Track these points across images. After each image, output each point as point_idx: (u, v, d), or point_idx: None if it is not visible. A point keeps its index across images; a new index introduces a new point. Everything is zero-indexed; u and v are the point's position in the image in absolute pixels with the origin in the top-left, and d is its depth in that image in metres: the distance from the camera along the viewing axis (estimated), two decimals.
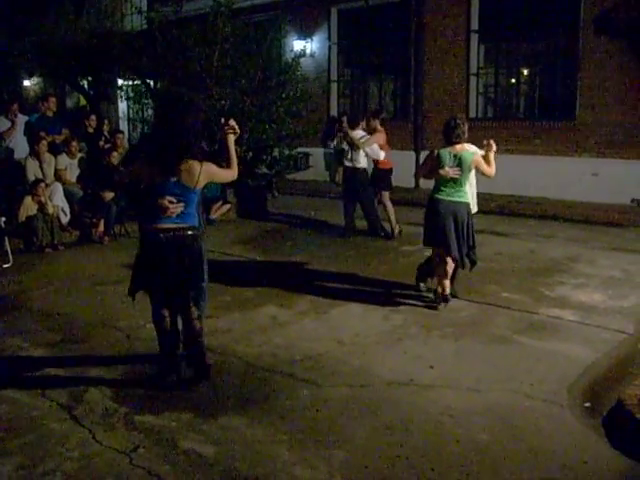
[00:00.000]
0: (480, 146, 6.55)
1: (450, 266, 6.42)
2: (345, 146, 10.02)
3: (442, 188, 6.42)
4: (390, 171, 10.41)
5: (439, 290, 6.52)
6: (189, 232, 4.57)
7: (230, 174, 4.73)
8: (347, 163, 9.97)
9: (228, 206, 11.81)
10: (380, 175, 10.23)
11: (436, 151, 6.44)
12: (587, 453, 3.84)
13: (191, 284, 4.65)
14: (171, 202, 4.44)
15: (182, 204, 4.48)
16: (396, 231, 10.10)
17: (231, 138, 4.70)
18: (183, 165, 4.45)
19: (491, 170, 6.49)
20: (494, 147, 6.50)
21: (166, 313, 4.74)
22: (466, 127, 6.35)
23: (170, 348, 4.81)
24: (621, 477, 3.66)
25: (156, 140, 4.54)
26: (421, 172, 7.03)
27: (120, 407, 4.43)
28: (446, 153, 6.33)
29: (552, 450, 3.86)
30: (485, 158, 6.46)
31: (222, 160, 4.67)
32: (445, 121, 6.45)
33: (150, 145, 4.60)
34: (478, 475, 3.61)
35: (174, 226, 4.51)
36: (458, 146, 6.33)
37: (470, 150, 6.42)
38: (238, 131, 4.71)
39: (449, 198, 6.39)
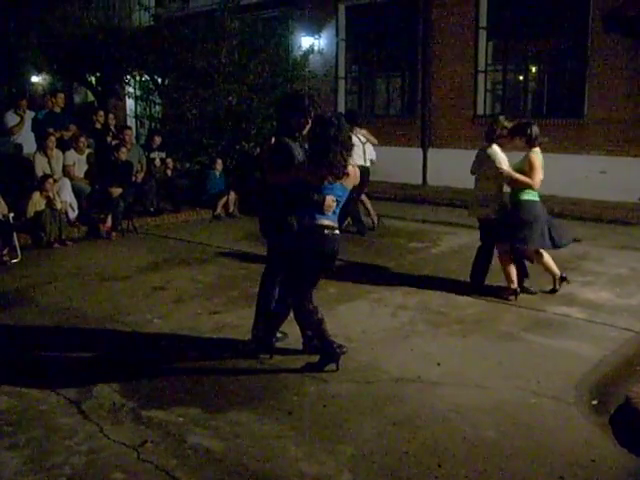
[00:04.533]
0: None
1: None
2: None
3: None
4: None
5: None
6: (339, 230, 4.98)
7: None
8: (360, 161, 9.86)
9: (234, 196, 11.81)
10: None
11: None
12: (595, 451, 3.83)
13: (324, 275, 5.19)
14: (333, 201, 4.82)
15: (335, 202, 4.85)
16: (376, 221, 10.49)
17: None
18: (348, 169, 4.86)
19: (509, 173, 6.56)
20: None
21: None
22: (500, 126, 6.65)
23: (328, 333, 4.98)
24: (629, 475, 3.65)
25: (324, 148, 4.78)
26: None
27: (128, 402, 4.45)
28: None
29: (559, 447, 3.86)
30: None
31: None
32: None
33: (316, 151, 4.88)
34: (485, 472, 3.61)
35: (330, 223, 4.86)
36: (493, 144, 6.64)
37: (490, 149, 6.62)
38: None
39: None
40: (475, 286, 6.92)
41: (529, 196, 6.60)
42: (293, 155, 5.02)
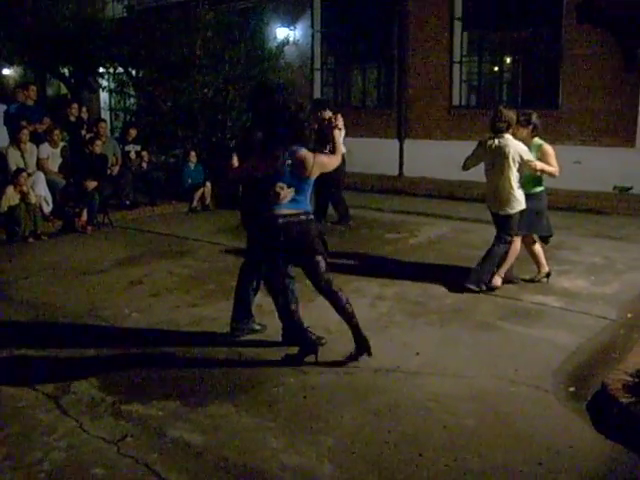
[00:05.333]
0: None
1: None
2: None
3: None
4: None
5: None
6: (302, 217, 4.76)
7: (336, 159, 5.08)
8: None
9: (210, 188, 11.75)
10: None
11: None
12: (572, 437, 3.88)
13: (301, 264, 4.95)
14: (282, 188, 4.67)
15: (292, 190, 4.69)
16: None
17: (337, 132, 5.20)
18: (296, 155, 4.67)
19: (543, 166, 6.52)
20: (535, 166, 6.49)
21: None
22: (507, 117, 6.41)
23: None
24: (605, 460, 3.70)
25: (268, 133, 4.70)
26: None
27: (107, 396, 4.42)
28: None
29: (538, 434, 3.90)
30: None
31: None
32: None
33: (261, 138, 4.81)
34: (465, 460, 3.64)
35: (288, 212, 4.71)
36: (505, 135, 6.44)
37: (508, 140, 6.43)
38: (342, 127, 5.32)
39: None
40: (471, 280, 6.62)
41: (542, 186, 6.72)
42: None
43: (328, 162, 4.92)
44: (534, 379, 4.63)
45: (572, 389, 4.52)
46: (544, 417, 4.12)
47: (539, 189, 6.72)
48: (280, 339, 5.23)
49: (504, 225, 6.60)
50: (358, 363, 4.89)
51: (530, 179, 6.62)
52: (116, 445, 3.79)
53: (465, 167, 6.75)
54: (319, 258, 4.81)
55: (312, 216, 4.87)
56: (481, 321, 5.85)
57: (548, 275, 6.89)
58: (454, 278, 6.89)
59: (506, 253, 6.63)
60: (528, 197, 6.58)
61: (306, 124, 4.77)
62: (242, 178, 5.10)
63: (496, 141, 6.43)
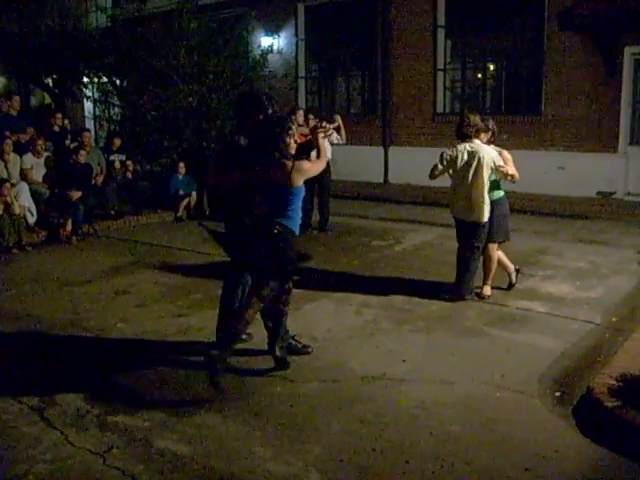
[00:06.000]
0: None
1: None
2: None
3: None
4: None
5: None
6: (278, 231, 4.63)
7: (321, 164, 5.01)
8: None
9: (195, 197, 11.74)
10: None
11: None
12: (558, 441, 3.90)
13: (272, 277, 4.70)
14: (260, 200, 4.61)
15: (269, 202, 4.62)
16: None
17: (321, 137, 5.06)
18: (276, 165, 4.61)
19: (514, 171, 6.47)
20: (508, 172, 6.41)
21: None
22: (474, 122, 6.37)
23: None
24: (591, 464, 3.72)
25: (252, 144, 4.67)
26: None
27: (92, 408, 4.39)
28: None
29: (524, 439, 3.91)
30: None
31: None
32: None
33: (240, 149, 4.76)
34: (452, 466, 3.65)
35: (266, 224, 4.62)
36: (476, 140, 6.37)
37: (481, 146, 6.39)
38: (329, 133, 5.27)
39: None
40: (464, 293, 6.60)
41: (502, 192, 6.68)
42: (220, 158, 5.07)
43: (310, 168, 4.84)
44: (520, 384, 4.64)
45: (558, 394, 4.54)
46: (530, 422, 4.13)
47: (501, 194, 6.68)
48: (266, 348, 5.21)
49: (476, 233, 6.43)
50: (345, 371, 4.89)
51: (493, 185, 6.50)
52: (102, 457, 3.77)
53: (433, 176, 6.46)
54: (284, 282, 4.70)
55: (289, 232, 4.71)
56: (467, 327, 5.87)
57: (517, 271, 6.93)
58: (440, 285, 6.91)
59: (487, 261, 6.64)
60: (494, 203, 6.48)
61: (288, 135, 4.75)
62: (222, 187, 5.05)
63: (468, 147, 6.31)
